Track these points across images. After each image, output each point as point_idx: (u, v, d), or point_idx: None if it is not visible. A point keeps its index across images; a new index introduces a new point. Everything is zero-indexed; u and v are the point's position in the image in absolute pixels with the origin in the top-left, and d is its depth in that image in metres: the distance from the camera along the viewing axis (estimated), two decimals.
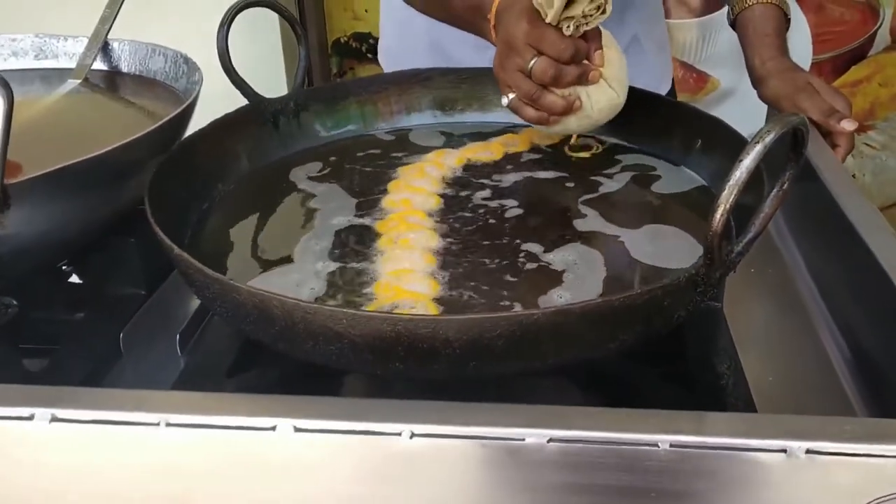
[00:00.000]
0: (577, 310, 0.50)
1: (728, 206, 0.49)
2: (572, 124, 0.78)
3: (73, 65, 0.90)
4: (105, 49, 0.91)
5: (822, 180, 0.76)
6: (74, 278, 0.76)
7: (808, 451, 0.43)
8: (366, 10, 2.07)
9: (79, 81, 0.88)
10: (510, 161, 0.83)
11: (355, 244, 0.69)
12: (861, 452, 0.43)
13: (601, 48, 0.74)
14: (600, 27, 0.74)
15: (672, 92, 1.14)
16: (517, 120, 0.80)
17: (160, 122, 0.68)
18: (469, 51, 0.97)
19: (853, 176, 2.05)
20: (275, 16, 0.85)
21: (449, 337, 0.49)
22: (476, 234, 0.70)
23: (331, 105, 0.89)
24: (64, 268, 0.76)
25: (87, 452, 0.48)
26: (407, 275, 0.64)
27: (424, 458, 0.46)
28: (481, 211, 0.74)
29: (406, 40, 1.06)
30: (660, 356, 0.66)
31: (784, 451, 0.43)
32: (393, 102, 0.92)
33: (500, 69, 0.74)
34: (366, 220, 0.72)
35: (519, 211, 0.74)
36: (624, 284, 0.63)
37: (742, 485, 0.45)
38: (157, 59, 0.88)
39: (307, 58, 0.85)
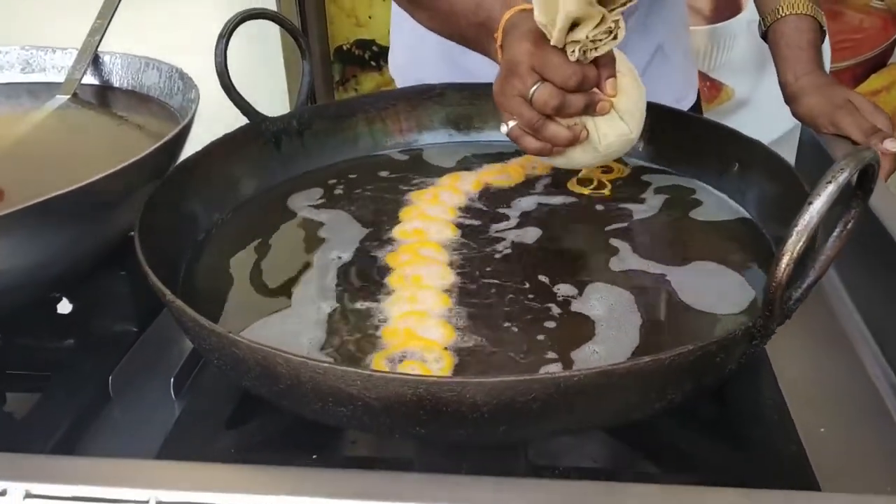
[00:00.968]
0: (622, 370, 0.44)
1: (795, 254, 0.43)
2: (577, 157, 0.69)
3: (61, 79, 0.85)
4: (96, 62, 0.86)
5: (868, 207, 0.70)
6: (62, 309, 0.71)
7: None
8: (369, 17, 2.01)
9: (68, 97, 0.83)
10: (531, 185, 0.78)
11: (362, 280, 0.64)
12: None
13: (614, 75, 0.66)
14: (616, 51, 0.66)
15: (697, 102, 1.08)
16: None
17: (152, 148, 0.62)
18: (486, 62, 0.90)
19: None
20: (275, 25, 0.79)
21: (477, 401, 0.44)
22: (495, 272, 0.64)
23: (337, 123, 0.83)
24: (52, 297, 0.70)
25: None
26: (418, 318, 0.59)
27: None
28: (500, 244, 0.68)
29: (418, 52, 1.00)
30: (699, 405, 0.60)
31: None
32: (403, 120, 0.86)
33: (500, 94, 0.67)
34: (375, 252, 0.67)
35: (542, 244, 0.68)
36: (663, 334, 0.57)
37: None
38: (151, 74, 0.83)
39: (311, 73, 0.80)
